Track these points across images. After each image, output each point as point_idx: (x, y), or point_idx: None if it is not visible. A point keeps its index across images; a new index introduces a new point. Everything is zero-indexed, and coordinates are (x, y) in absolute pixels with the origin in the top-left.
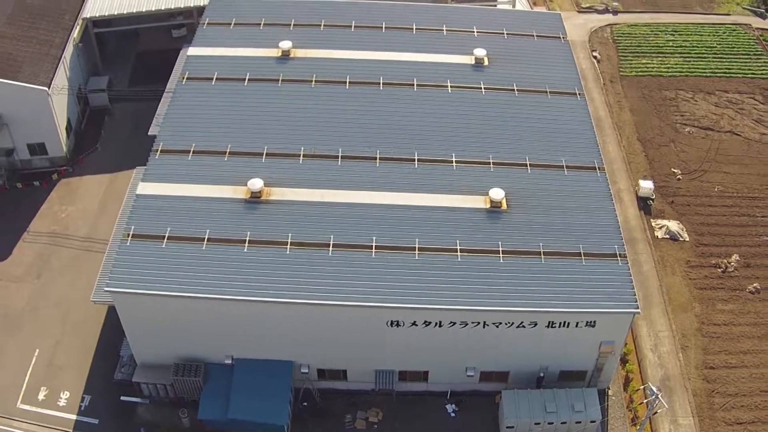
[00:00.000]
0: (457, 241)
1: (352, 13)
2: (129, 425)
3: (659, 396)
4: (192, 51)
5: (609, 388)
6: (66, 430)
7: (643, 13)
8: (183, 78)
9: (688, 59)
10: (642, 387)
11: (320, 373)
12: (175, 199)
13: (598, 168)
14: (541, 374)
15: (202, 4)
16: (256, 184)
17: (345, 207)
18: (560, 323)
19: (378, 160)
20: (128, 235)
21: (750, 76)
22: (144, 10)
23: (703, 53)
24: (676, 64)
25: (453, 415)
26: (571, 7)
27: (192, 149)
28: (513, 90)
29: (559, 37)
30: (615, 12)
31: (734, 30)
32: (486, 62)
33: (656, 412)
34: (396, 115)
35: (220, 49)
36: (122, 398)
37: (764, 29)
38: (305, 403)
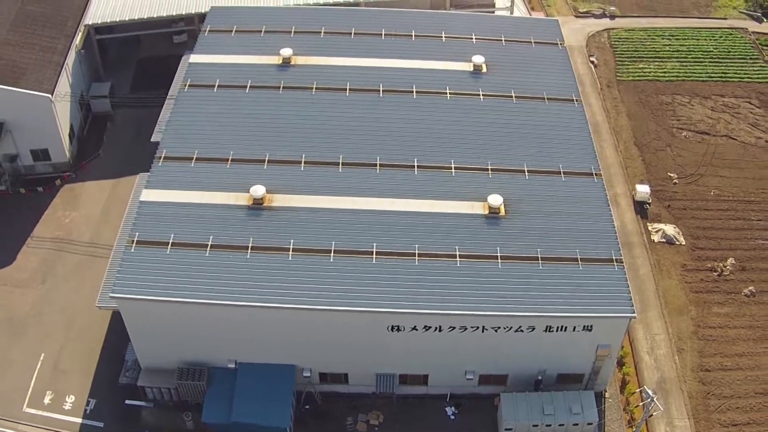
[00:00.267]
0: (456, 247)
1: (352, 21)
2: (134, 428)
3: (654, 399)
4: (194, 58)
5: (606, 391)
6: None
7: (640, 18)
8: (185, 85)
9: (684, 64)
10: (638, 390)
11: (322, 377)
12: (179, 206)
13: (595, 174)
14: (539, 377)
15: (203, 11)
16: (258, 191)
17: (346, 213)
18: (558, 327)
19: (378, 167)
20: (133, 241)
21: (746, 80)
22: (146, 16)
23: (700, 57)
24: (673, 68)
25: (453, 417)
26: (568, 12)
27: (194, 156)
28: (511, 97)
29: (557, 44)
30: (612, 16)
31: (730, 34)
32: (484, 69)
33: (651, 415)
34: (396, 122)
35: (222, 57)
36: (127, 402)
37: (760, 33)
38: (307, 406)
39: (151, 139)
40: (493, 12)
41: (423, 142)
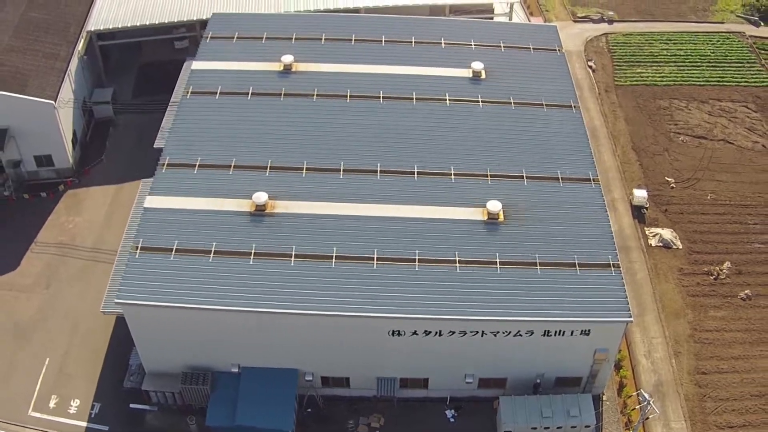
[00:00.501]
0: (456, 253)
1: (352, 27)
2: None
3: (651, 402)
4: (196, 65)
5: (603, 394)
6: None
7: (638, 22)
8: (187, 92)
9: (682, 68)
10: (635, 393)
11: (324, 381)
12: (182, 213)
13: (593, 180)
14: (538, 381)
15: (204, 17)
16: (260, 197)
17: (347, 219)
18: (556, 332)
19: (379, 173)
20: (137, 247)
21: (743, 84)
22: (148, 23)
23: (697, 62)
24: (671, 72)
25: (452, 420)
26: (566, 17)
27: (197, 163)
28: (510, 103)
29: (555, 50)
30: (610, 21)
31: (728, 38)
32: (483, 75)
33: (648, 417)
34: (396, 128)
35: (223, 63)
36: (131, 406)
37: (758, 37)
38: (309, 410)
39: (154, 146)
40: (492, 18)
41: (423, 148)
